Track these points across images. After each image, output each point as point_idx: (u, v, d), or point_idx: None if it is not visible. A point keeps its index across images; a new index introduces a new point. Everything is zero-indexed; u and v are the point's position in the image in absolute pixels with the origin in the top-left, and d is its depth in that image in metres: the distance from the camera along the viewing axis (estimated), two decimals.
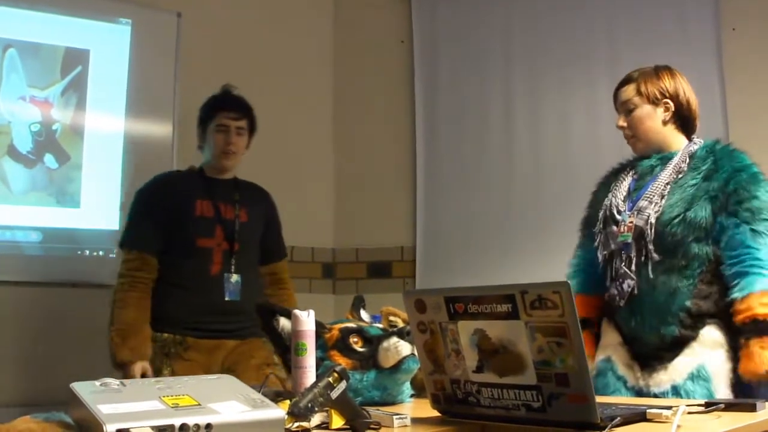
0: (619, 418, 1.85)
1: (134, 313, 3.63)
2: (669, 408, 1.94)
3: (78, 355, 4.37)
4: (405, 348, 2.49)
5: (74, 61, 4.68)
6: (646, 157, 3.06)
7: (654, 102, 3.02)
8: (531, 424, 1.91)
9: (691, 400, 2.37)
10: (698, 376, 2.75)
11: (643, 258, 2.85)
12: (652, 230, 2.83)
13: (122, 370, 3.54)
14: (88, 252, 4.62)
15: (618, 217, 2.94)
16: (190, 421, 1.61)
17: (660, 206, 2.86)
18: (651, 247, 2.83)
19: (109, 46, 4.82)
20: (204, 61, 5.02)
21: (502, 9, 5.63)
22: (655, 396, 2.79)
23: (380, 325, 2.68)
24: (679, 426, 1.80)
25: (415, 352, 2.39)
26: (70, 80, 4.65)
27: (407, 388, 2.61)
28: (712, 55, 5.18)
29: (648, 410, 1.97)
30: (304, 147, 5.57)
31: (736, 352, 2.77)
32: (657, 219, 2.84)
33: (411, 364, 2.48)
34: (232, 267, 3.72)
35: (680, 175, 2.92)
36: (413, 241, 5.58)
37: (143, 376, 3.49)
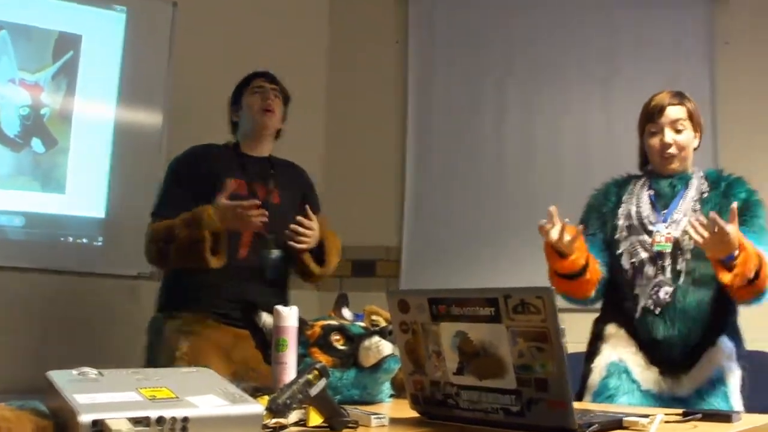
0: (596, 425, 1.86)
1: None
2: (646, 416, 1.95)
3: (58, 343, 4.35)
4: (386, 347, 2.50)
5: (66, 45, 4.65)
6: (662, 176, 3.23)
7: (695, 129, 3.23)
8: (509, 428, 1.91)
9: (670, 410, 2.38)
10: (718, 381, 2.96)
11: (678, 267, 3.03)
12: (691, 241, 2.96)
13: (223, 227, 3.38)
14: (71, 239, 4.59)
15: (650, 227, 3.10)
16: (167, 413, 1.60)
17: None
18: (688, 256, 3.03)
19: (102, 32, 4.79)
20: (198, 53, 5.00)
21: (500, 14, 5.63)
22: (680, 399, 2.94)
23: (362, 324, 2.68)
24: None
25: (396, 352, 2.39)
26: (61, 65, 4.62)
27: (387, 388, 2.61)
28: (705, 68, 5.22)
29: (624, 418, 1.98)
30: (295, 142, 5.53)
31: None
32: None
33: (392, 363, 2.49)
34: (265, 245, 3.54)
35: (705, 194, 3.14)
36: (399, 241, 5.58)
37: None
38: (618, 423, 1.98)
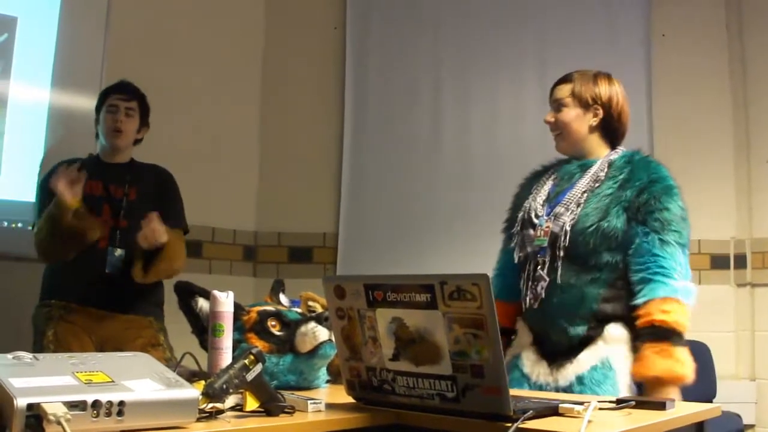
0: (531, 411, 1.87)
1: None
2: (581, 403, 1.97)
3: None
4: (322, 333, 2.50)
5: (1, 28, 4.57)
6: (567, 162, 3.08)
7: (585, 106, 3.02)
8: (445, 414, 1.93)
9: (603, 396, 2.41)
10: (602, 367, 2.79)
11: (556, 263, 2.88)
12: (566, 237, 2.85)
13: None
14: (6, 223, 4.53)
15: (535, 221, 2.97)
16: (103, 397, 1.59)
17: (575, 214, 2.87)
18: (561, 253, 2.86)
19: (38, 14, 4.71)
20: (134, 36, 4.96)
21: (436, 2, 5.66)
22: (562, 389, 2.81)
23: (299, 310, 2.69)
24: (590, 421, 1.82)
25: (333, 338, 2.40)
26: None
27: (323, 374, 2.62)
28: (642, 60, 5.30)
29: (560, 405, 1.99)
30: (231, 128, 5.54)
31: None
32: (571, 227, 2.86)
33: (328, 349, 2.50)
34: (117, 242, 3.81)
35: (597, 184, 2.93)
36: (336, 228, 5.59)
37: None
38: (553, 410, 1.98)
